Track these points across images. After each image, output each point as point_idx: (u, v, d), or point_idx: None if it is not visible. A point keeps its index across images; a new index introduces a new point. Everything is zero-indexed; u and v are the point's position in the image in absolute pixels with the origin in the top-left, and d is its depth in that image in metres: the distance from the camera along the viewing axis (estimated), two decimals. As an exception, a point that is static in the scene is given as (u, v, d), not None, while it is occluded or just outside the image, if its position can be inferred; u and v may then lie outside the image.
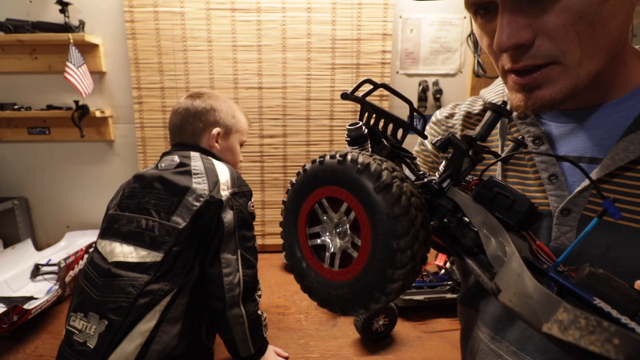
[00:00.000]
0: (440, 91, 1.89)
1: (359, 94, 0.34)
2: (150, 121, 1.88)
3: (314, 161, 0.25)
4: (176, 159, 0.99)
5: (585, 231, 0.22)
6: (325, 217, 0.25)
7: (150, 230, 0.87)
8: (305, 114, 1.92)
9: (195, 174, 0.94)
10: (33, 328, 1.28)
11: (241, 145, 1.15)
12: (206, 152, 1.04)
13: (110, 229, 0.92)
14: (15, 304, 1.18)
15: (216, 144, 1.07)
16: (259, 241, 2.02)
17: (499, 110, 0.25)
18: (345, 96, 0.34)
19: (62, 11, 1.68)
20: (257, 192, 1.98)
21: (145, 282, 0.83)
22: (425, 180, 0.27)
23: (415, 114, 0.38)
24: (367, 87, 0.35)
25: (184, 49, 1.81)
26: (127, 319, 0.80)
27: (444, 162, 0.30)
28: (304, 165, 0.25)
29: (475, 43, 1.80)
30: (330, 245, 0.25)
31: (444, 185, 0.27)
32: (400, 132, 0.37)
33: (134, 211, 0.91)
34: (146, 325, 0.81)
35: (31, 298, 1.43)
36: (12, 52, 1.79)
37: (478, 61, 1.79)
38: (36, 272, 1.63)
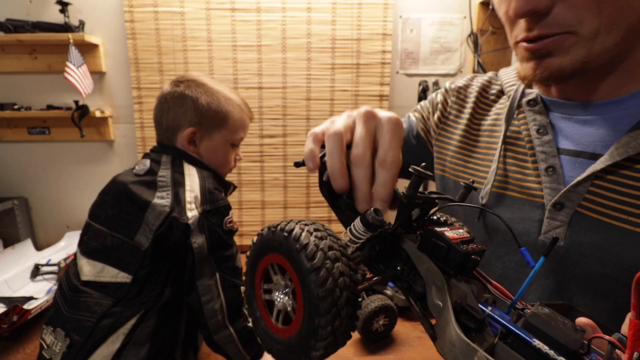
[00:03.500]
0: (440, 91, 1.89)
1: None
2: (150, 121, 1.88)
3: (269, 227, 0.28)
4: (147, 163, 0.87)
5: (532, 274, 0.25)
6: (276, 277, 0.28)
7: (116, 250, 0.80)
8: (305, 114, 1.92)
9: (160, 186, 0.82)
10: (33, 328, 1.28)
11: (235, 145, 0.98)
12: (183, 154, 0.91)
13: (82, 242, 0.85)
14: (15, 304, 1.18)
15: (191, 146, 0.92)
16: (259, 241, 2.02)
17: (420, 175, 0.29)
18: (298, 164, 0.38)
19: (62, 11, 1.68)
20: (257, 192, 1.98)
21: (113, 302, 0.77)
22: (379, 231, 0.30)
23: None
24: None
25: (184, 49, 1.81)
26: (89, 340, 0.74)
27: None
28: (262, 230, 0.29)
29: (475, 43, 1.80)
30: (278, 303, 0.28)
31: (396, 233, 0.30)
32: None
33: (102, 223, 0.83)
34: (109, 348, 0.75)
35: (31, 298, 1.43)
36: (12, 52, 1.79)
37: (478, 61, 1.79)
38: (36, 272, 1.63)
